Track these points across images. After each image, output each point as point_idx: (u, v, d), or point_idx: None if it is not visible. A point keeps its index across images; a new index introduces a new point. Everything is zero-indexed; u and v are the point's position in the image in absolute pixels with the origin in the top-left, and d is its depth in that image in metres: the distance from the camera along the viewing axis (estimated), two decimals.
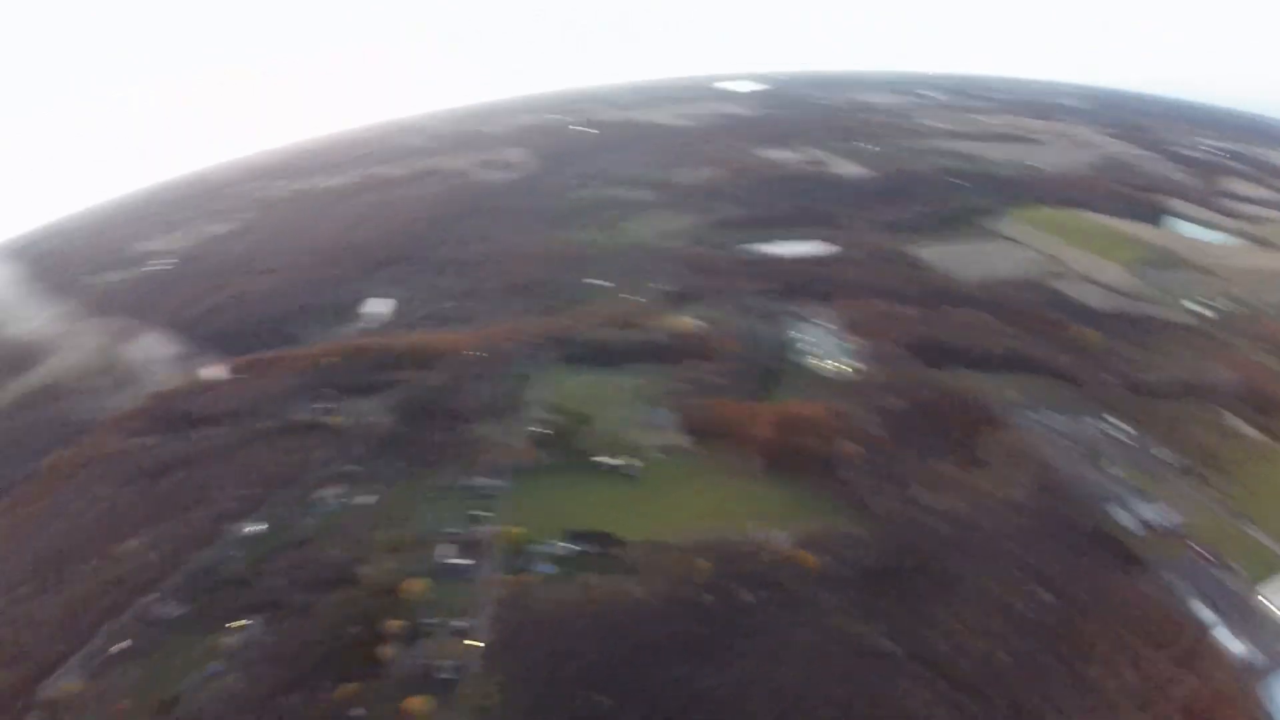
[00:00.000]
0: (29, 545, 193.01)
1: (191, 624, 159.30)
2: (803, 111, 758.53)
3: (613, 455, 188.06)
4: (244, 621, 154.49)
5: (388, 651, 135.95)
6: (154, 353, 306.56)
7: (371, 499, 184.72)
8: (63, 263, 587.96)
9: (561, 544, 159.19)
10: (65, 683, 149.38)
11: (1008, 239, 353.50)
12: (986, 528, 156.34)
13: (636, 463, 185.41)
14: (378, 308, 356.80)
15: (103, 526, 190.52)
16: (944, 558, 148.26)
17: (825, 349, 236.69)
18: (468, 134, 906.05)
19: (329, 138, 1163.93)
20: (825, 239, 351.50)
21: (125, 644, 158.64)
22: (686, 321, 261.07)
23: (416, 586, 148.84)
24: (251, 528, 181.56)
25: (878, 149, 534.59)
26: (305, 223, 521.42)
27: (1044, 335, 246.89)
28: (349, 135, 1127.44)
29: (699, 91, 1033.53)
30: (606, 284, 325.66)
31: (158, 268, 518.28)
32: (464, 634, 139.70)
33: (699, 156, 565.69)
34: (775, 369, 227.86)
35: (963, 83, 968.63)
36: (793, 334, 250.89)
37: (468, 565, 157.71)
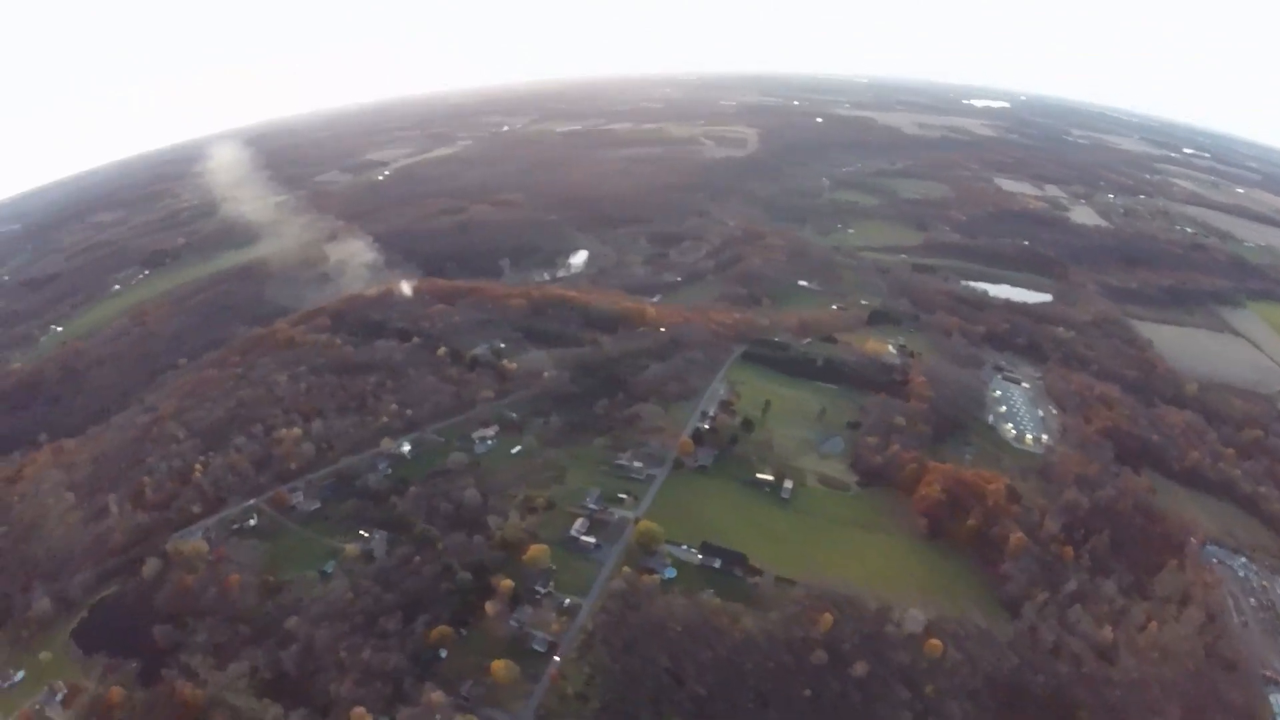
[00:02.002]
0: (204, 406, 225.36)
1: (320, 521, 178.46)
2: (1046, 143, 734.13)
3: (772, 473, 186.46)
4: (368, 534, 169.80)
5: (491, 607, 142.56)
6: (358, 256, 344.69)
7: (521, 450, 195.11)
8: (292, 157, 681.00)
9: (694, 551, 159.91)
10: (192, 540, 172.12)
11: (1245, 337, 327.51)
12: (1133, 676, 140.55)
13: (793, 486, 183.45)
14: (581, 261, 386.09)
15: (272, 409, 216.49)
16: (1077, 693, 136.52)
17: (1021, 416, 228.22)
18: (700, 103, 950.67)
19: (565, 82, 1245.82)
20: (1049, 291, 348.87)
21: (253, 521, 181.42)
22: (886, 349, 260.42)
23: (539, 552, 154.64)
24: (403, 447, 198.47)
25: (1123, 203, 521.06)
26: (531, 164, 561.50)
27: (1263, 465, 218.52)
28: (584, 84, 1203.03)
29: (941, 101, 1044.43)
30: (815, 288, 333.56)
31: (380, 177, 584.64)
32: (569, 613, 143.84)
33: (931, 171, 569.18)
34: (963, 422, 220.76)
35: (1225, 145, 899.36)
36: (992, 389, 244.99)
37: (594, 545, 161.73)
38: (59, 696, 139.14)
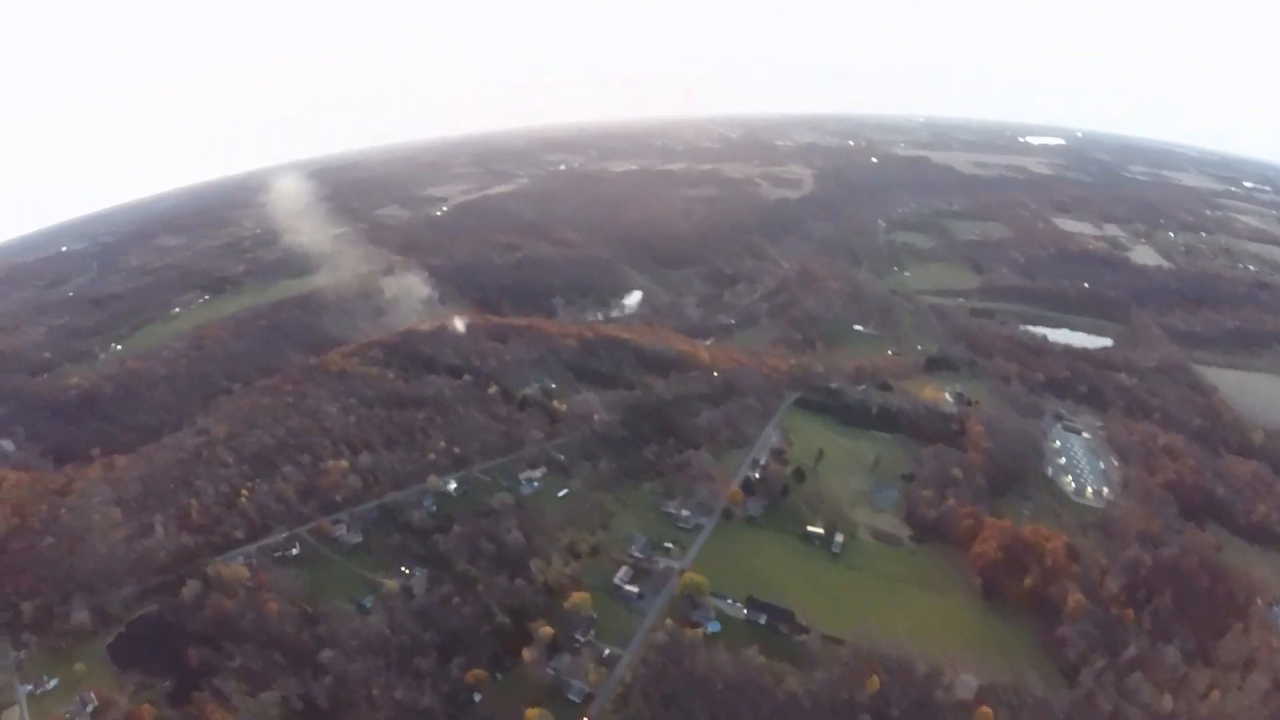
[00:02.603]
0: (254, 432, 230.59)
1: (362, 555, 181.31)
2: (1104, 180, 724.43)
3: (823, 525, 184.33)
4: (409, 571, 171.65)
5: (529, 653, 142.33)
6: (414, 290, 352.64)
7: (568, 493, 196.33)
8: (352, 190, 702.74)
9: (739, 605, 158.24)
10: (233, 565, 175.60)
11: None
12: None
13: (844, 539, 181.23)
14: (635, 301, 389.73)
15: (321, 439, 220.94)
16: None
17: (1082, 468, 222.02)
18: (756, 144, 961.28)
19: (622, 122, 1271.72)
20: (1111, 335, 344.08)
21: (295, 551, 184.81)
22: (943, 396, 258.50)
23: (580, 599, 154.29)
24: (449, 485, 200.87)
25: (1184, 241, 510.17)
26: (587, 202, 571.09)
27: None
28: (641, 123, 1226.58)
29: (997, 139, 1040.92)
30: (871, 332, 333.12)
31: (438, 212, 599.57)
32: (608, 664, 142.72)
33: (989, 211, 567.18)
34: (1022, 474, 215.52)
35: None
36: (1052, 439, 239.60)
37: (638, 594, 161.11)
38: (89, 708, 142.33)
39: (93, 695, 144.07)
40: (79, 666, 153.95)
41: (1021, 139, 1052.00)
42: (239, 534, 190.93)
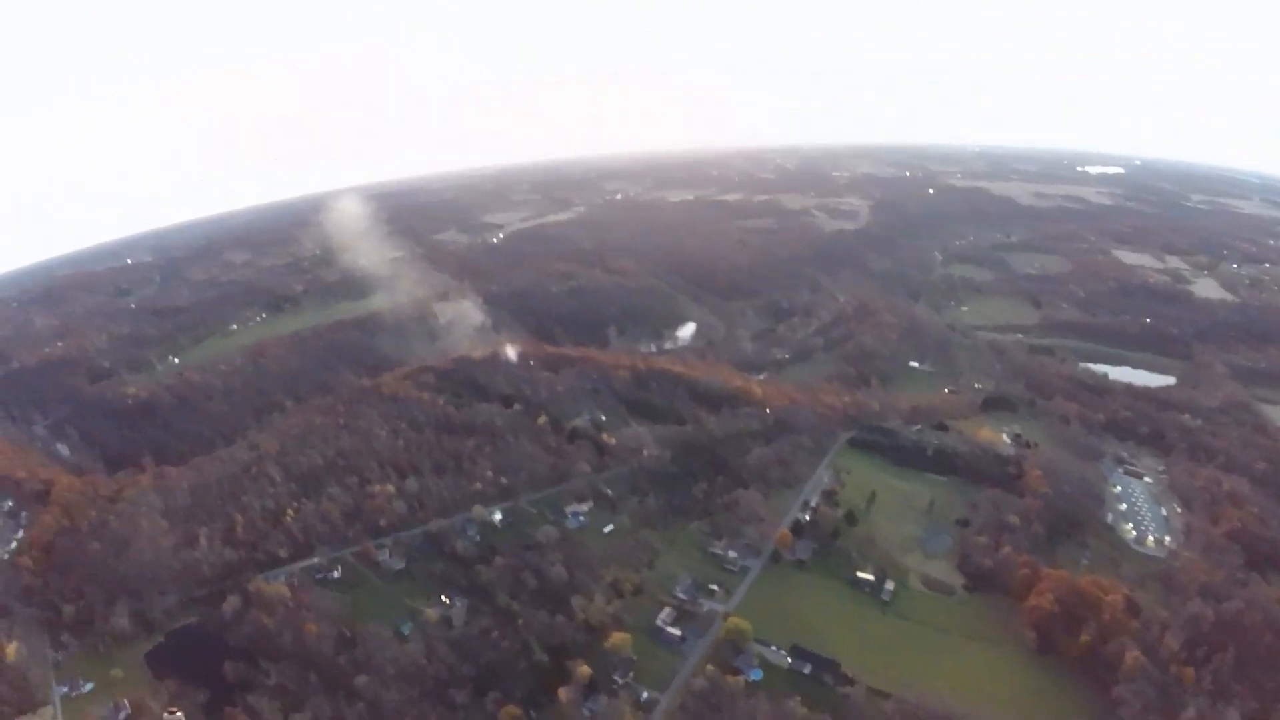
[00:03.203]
0: (305, 451, 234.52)
1: (404, 581, 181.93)
2: (1165, 210, 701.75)
3: (874, 571, 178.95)
4: (449, 600, 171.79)
5: (565, 693, 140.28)
6: (468, 316, 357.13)
7: (614, 529, 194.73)
8: (412, 215, 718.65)
9: (784, 653, 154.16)
10: (275, 583, 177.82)
11: None
12: None
13: (894, 587, 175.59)
14: (689, 333, 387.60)
15: (369, 461, 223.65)
16: None
17: (1143, 515, 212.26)
18: (812, 174, 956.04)
19: (676, 152, 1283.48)
20: (1173, 372, 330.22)
21: (337, 573, 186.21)
22: (1000, 438, 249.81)
23: (621, 640, 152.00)
24: (494, 515, 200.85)
25: (1248, 273, 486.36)
26: (643, 231, 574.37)
27: None
28: (698, 153, 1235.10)
29: (1054, 168, 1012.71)
30: (927, 369, 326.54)
31: (495, 239, 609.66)
32: (645, 709, 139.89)
33: (1048, 244, 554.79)
34: (1080, 520, 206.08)
35: None
36: (1113, 484, 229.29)
37: (679, 637, 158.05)
38: (123, 715, 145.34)
39: (126, 702, 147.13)
40: (116, 672, 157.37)
41: (1080, 168, 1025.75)
42: (282, 552, 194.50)
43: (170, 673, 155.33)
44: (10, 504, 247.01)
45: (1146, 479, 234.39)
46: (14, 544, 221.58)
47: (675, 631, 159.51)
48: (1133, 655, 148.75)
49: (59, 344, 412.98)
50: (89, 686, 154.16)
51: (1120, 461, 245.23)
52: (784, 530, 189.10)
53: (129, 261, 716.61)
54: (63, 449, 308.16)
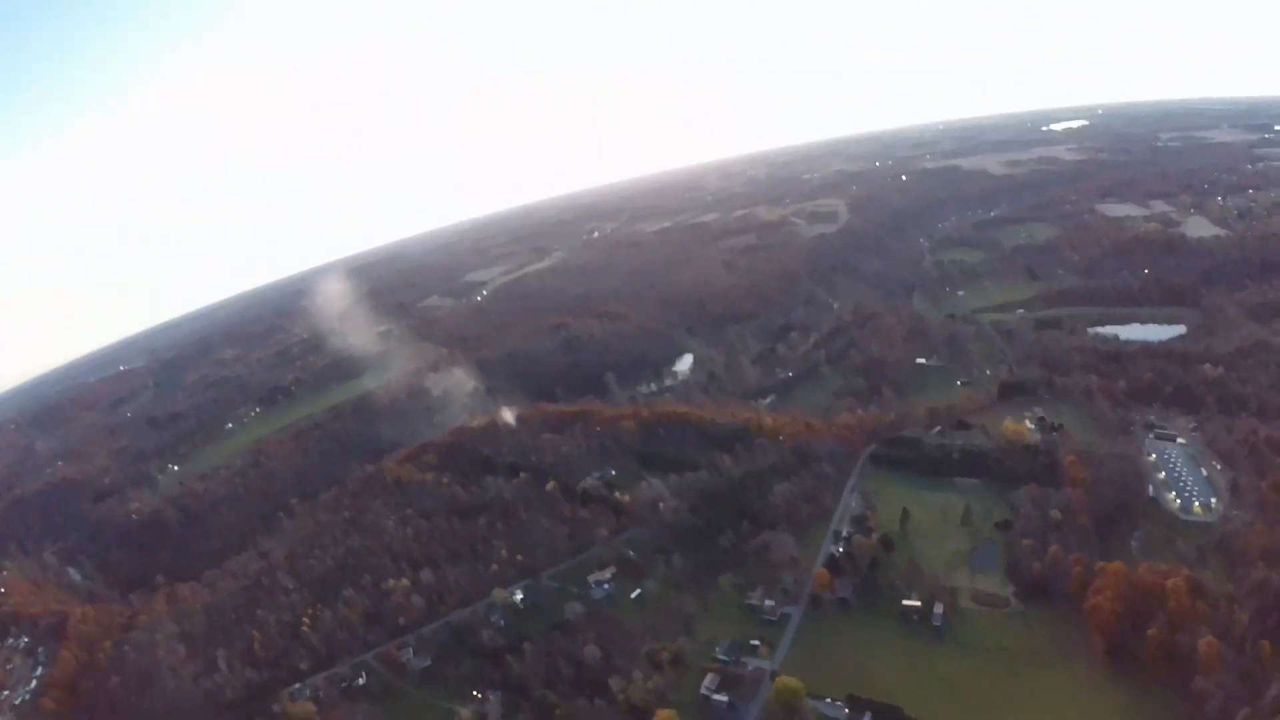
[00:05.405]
0: (315, 554, 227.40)
1: (433, 682, 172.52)
2: (1139, 155, 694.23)
3: (920, 598, 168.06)
4: (481, 696, 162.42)
5: None
6: (463, 385, 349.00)
7: (642, 594, 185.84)
8: (394, 284, 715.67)
9: (841, 706, 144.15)
10: (300, 701, 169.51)
11: None
12: None
13: (944, 611, 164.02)
14: (686, 367, 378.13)
15: (381, 557, 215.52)
16: None
17: (1185, 480, 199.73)
18: (783, 180, 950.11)
19: (645, 177, 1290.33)
20: (1184, 321, 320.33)
21: (362, 681, 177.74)
22: (1024, 429, 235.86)
23: (667, 718, 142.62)
24: (515, 596, 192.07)
25: (1235, 204, 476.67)
26: (628, 270, 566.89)
27: None
28: (663, 175, 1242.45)
29: (1021, 133, 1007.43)
30: (936, 364, 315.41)
31: (479, 298, 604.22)
32: None
33: (1031, 213, 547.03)
34: (1125, 502, 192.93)
35: None
36: (1147, 452, 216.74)
37: (727, 703, 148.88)
38: None
39: None
40: None
41: (1045, 127, 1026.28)
42: (304, 665, 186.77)
43: None
44: (26, 640, 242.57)
45: (1180, 440, 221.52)
46: (34, 683, 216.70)
47: (722, 698, 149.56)
48: (1206, 642, 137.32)
49: (61, 465, 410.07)
50: None
51: (1150, 427, 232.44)
52: (820, 569, 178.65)
53: (122, 369, 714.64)
54: (74, 574, 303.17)
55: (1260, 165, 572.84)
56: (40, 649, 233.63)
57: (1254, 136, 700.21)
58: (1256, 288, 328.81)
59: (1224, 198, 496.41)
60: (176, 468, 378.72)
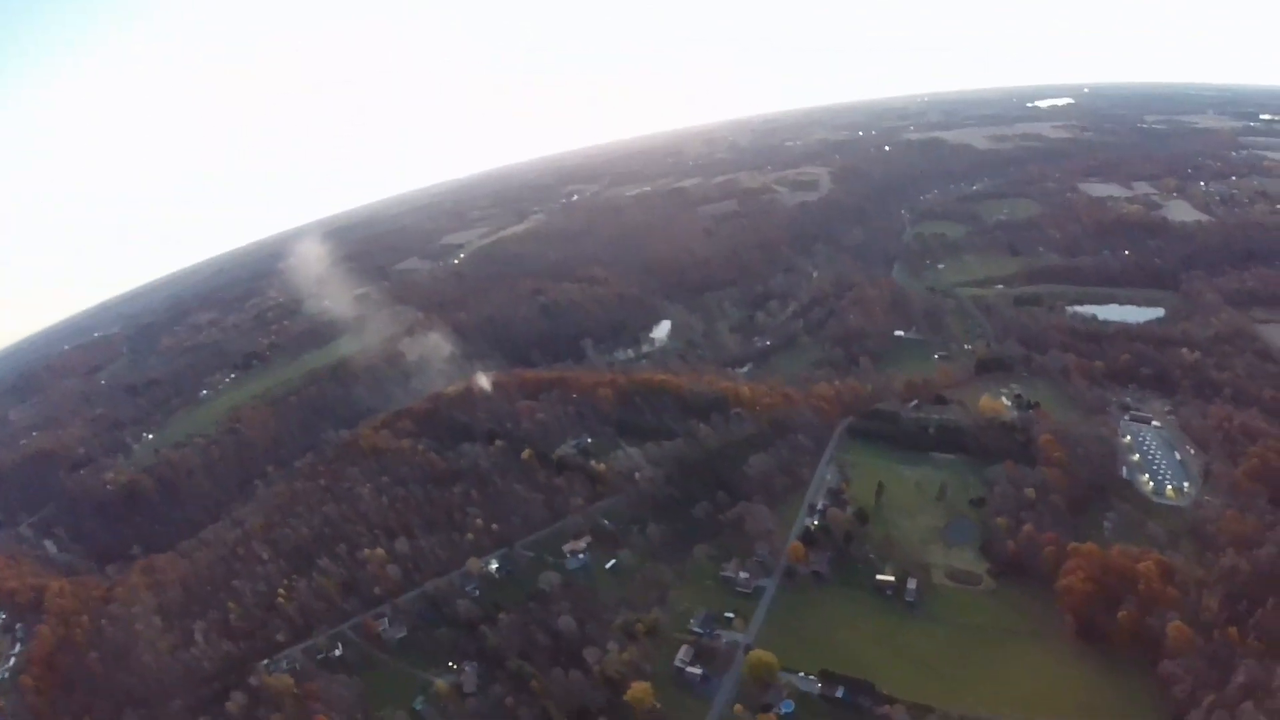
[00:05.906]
0: (290, 523, 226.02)
1: (409, 651, 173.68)
2: (1123, 136, 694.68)
3: (894, 572, 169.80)
4: (456, 666, 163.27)
5: None
6: (439, 349, 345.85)
7: (617, 564, 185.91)
8: (372, 247, 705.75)
9: (814, 679, 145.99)
10: (276, 673, 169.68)
11: None
12: None
13: (918, 586, 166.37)
14: (664, 333, 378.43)
15: (357, 526, 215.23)
16: None
17: (1159, 463, 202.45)
18: (766, 148, 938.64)
19: (627, 140, 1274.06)
20: (1162, 304, 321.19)
21: (338, 651, 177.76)
22: (1001, 406, 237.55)
23: (641, 691, 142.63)
24: (491, 565, 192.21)
25: (1218, 190, 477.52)
26: (607, 235, 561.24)
27: None
28: (648, 140, 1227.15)
29: (1006, 108, 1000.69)
30: (914, 336, 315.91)
31: (456, 261, 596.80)
32: None
33: (1014, 189, 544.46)
34: (1099, 482, 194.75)
35: None
36: (1125, 437, 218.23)
37: (701, 676, 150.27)
38: None
39: None
40: None
41: (1030, 104, 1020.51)
42: (280, 636, 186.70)
43: None
44: (4, 616, 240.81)
45: (1155, 423, 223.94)
46: (12, 660, 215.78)
47: (696, 671, 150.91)
48: (1175, 626, 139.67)
49: (36, 435, 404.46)
50: None
51: (1126, 408, 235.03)
52: (795, 542, 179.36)
53: (96, 335, 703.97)
54: (51, 546, 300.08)
55: (1244, 153, 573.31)
56: (18, 625, 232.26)
57: (1239, 124, 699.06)
58: (1236, 274, 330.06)
59: (1207, 183, 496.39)
60: (152, 436, 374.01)
